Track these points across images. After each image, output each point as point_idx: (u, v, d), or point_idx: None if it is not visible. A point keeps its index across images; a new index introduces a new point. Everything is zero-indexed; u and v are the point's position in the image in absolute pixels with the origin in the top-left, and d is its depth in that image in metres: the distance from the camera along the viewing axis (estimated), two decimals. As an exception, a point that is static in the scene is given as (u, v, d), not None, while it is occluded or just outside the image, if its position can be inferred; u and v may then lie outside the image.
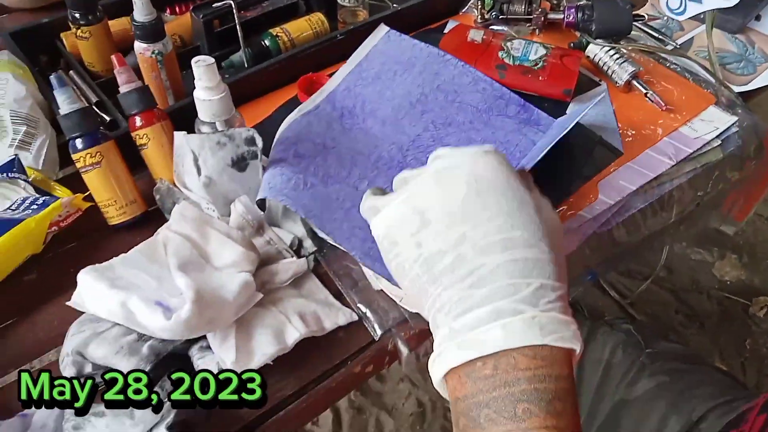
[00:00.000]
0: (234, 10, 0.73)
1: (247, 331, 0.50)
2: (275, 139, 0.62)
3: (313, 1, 0.83)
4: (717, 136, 0.73)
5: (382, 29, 0.70)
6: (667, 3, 0.69)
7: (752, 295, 1.82)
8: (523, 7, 0.80)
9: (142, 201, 0.61)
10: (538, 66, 0.73)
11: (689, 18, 0.91)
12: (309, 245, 0.58)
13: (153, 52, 0.65)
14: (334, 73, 0.72)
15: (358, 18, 0.81)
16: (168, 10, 0.81)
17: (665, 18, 0.90)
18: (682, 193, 0.71)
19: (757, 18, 0.91)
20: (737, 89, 0.81)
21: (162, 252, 0.51)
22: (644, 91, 0.75)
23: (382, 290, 0.56)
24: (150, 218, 0.61)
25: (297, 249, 0.58)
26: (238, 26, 0.73)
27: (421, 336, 0.55)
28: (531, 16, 0.80)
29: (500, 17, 0.81)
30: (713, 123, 0.74)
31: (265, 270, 0.54)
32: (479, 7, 0.81)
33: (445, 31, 0.82)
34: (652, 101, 0.75)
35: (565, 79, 0.72)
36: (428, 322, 0.39)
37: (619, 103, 0.75)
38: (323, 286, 0.56)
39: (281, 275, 0.54)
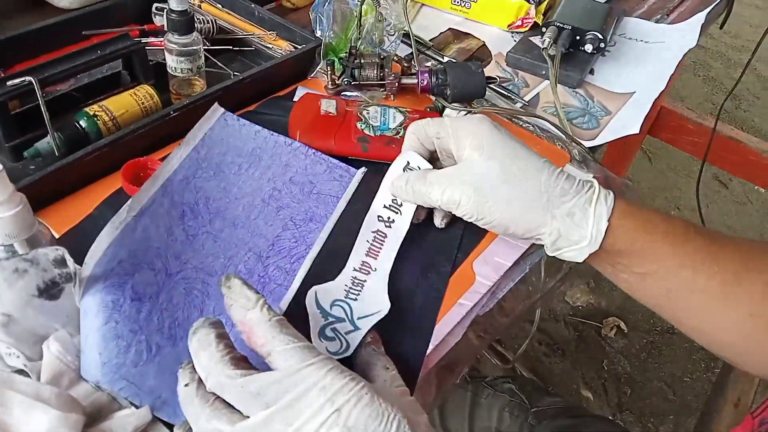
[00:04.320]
0: (37, 88, 0.60)
1: None
2: (99, 248, 0.49)
3: (138, 70, 0.71)
4: (577, 196, 0.73)
5: (217, 111, 0.61)
6: None
7: (602, 317, 1.95)
8: (375, 72, 0.75)
9: None
10: (400, 134, 0.68)
11: (532, 75, 0.93)
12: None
13: None
14: (167, 156, 0.61)
15: (194, 88, 0.71)
16: (-53, 89, 0.65)
17: (513, 78, 0.91)
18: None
19: (591, 72, 0.96)
20: (586, 144, 0.82)
21: (-64, 441, 0.37)
22: (505, 155, 0.73)
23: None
24: (-76, 376, 0.46)
25: (137, 389, 0.46)
26: (42, 106, 0.60)
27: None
28: (384, 82, 0.76)
29: (352, 83, 0.75)
30: (572, 182, 0.74)
31: (95, 430, 0.42)
32: (329, 72, 0.75)
33: (295, 99, 0.75)
34: (514, 165, 0.73)
35: (427, 148, 0.68)
36: None
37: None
38: (174, 436, 0.45)
39: (117, 434, 0.43)
